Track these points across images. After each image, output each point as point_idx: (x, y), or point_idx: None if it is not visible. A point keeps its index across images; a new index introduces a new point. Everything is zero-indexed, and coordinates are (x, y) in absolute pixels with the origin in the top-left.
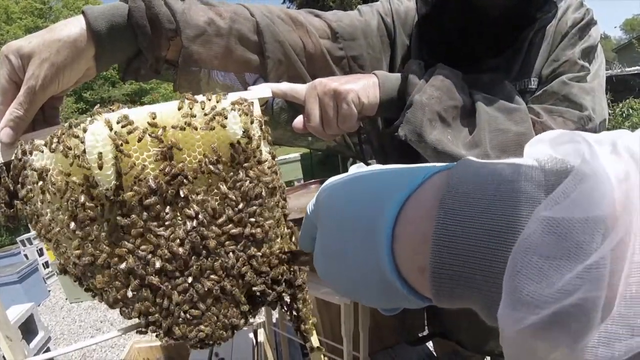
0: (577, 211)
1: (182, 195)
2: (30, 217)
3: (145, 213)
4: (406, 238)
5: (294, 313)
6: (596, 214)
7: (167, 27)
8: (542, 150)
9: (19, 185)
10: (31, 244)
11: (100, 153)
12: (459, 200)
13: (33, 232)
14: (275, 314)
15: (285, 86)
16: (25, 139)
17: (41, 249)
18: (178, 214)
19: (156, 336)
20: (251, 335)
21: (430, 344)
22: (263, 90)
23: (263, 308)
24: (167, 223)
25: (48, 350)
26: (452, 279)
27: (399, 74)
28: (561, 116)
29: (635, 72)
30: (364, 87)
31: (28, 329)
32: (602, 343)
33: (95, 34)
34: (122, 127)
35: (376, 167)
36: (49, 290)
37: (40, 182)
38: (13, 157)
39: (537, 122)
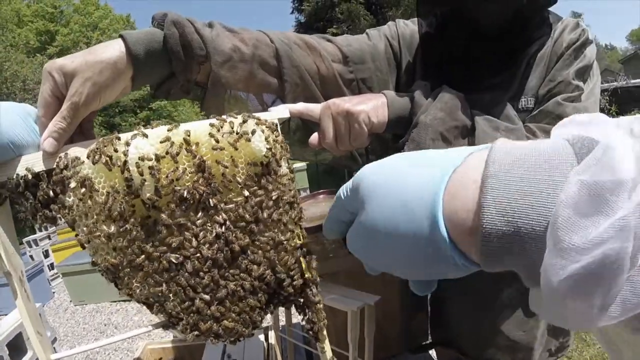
0: (605, 174)
1: (212, 205)
2: (71, 222)
3: (179, 220)
4: (456, 204)
5: (308, 317)
6: (622, 176)
7: (198, 53)
8: (569, 131)
9: (60, 192)
10: (37, 245)
11: (141, 165)
12: (503, 169)
13: (39, 234)
14: (282, 320)
15: (301, 106)
16: (65, 150)
17: (47, 251)
18: (208, 221)
19: (182, 332)
20: (262, 337)
21: (433, 352)
22: (282, 111)
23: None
24: (198, 229)
25: (54, 351)
26: (501, 238)
27: (406, 95)
28: None
29: None
30: (374, 108)
31: None
32: (629, 290)
33: (133, 58)
34: (161, 142)
35: (414, 152)
36: (54, 292)
37: (83, 190)
38: (55, 165)
39: (530, 140)
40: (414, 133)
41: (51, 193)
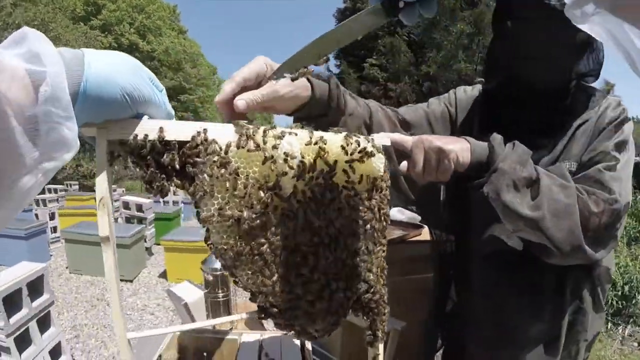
0: None
1: (335, 209)
2: (198, 200)
3: (309, 217)
4: None
5: (372, 325)
6: None
7: (341, 105)
8: None
9: (189, 166)
10: (45, 205)
11: (288, 160)
12: None
13: (48, 195)
14: None
15: (397, 136)
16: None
17: (53, 213)
18: (329, 224)
19: (275, 325)
20: (298, 342)
21: None
22: (385, 139)
23: None
24: (322, 231)
25: (49, 313)
26: None
27: (484, 143)
28: (594, 195)
29: None
30: (461, 149)
31: (35, 288)
32: None
33: (312, 96)
34: (306, 144)
35: None
36: (51, 255)
37: (222, 170)
38: (190, 139)
39: (580, 197)
40: (493, 177)
41: (177, 165)
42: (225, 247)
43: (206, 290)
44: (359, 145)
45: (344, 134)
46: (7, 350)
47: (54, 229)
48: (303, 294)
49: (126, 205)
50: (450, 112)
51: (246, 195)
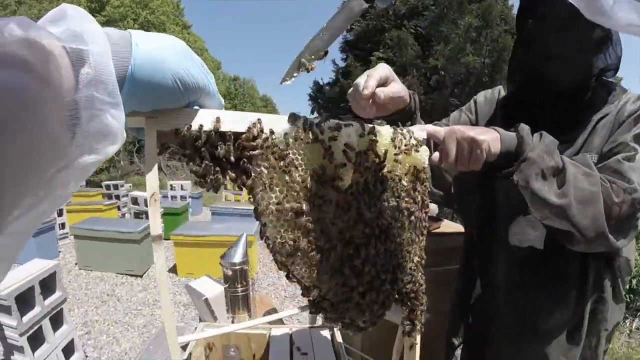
0: None
1: (386, 199)
2: (255, 194)
3: (362, 210)
4: None
5: (409, 316)
6: None
7: (418, 117)
8: None
9: (243, 159)
10: None
11: (348, 152)
12: None
13: None
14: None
15: (430, 127)
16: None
17: (61, 210)
18: (379, 216)
19: (325, 319)
20: (327, 335)
21: None
22: (421, 131)
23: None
24: (374, 222)
25: (61, 311)
26: None
27: (513, 133)
28: (614, 184)
29: None
30: (492, 139)
31: (47, 285)
32: None
33: (409, 104)
34: (360, 136)
35: None
36: (60, 252)
37: (281, 162)
38: (245, 130)
39: (603, 186)
40: (522, 166)
41: (232, 157)
42: (282, 241)
43: (226, 285)
44: (405, 138)
45: (390, 126)
46: (20, 349)
47: (62, 225)
48: (356, 286)
49: (134, 201)
50: (471, 119)
51: (304, 187)
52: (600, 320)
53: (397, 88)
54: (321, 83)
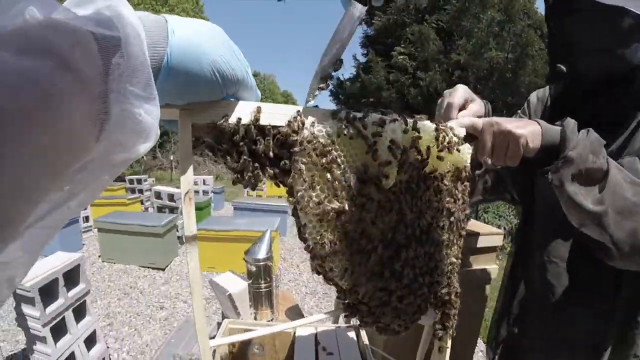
0: None
1: (428, 199)
2: (294, 191)
3: (402, 205)
4: None
5: (442, 320)
6: None
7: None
8: None
9: (282, 155)
10: None
11: (393, 149)
12: None
13: None
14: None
15: (467, 121)
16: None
17: None
18: (420, 216)
19: (360, 321)
20: (352, 335)
21: None
22: (459, 128)
23: None
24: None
25: (84, 302)
26: None
27: (557, 128)
28: None
29: None
30: (531, 134)
31: (71, 278)
32: None
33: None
34: (404, 132)
35: None
36: (83, 244)
37: (323, 159)
38: (285, 124)
39: None
40: (560, 164)
41: (272, 153)
42: (322, 241)
43: (249, 281)
44: (448, 135)
45: (431, 123)
46: (43, 339)
47: (86, 219)
48: (395, 290)
49: (158, 195)
50: (521, 117)
51: (347, 186)
52: (630, 345)
53: (475, 108)
54: (342, 79)
